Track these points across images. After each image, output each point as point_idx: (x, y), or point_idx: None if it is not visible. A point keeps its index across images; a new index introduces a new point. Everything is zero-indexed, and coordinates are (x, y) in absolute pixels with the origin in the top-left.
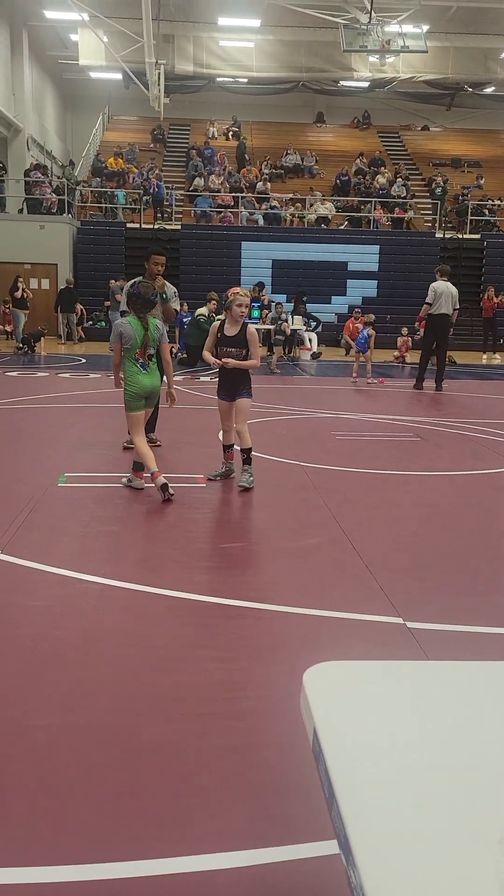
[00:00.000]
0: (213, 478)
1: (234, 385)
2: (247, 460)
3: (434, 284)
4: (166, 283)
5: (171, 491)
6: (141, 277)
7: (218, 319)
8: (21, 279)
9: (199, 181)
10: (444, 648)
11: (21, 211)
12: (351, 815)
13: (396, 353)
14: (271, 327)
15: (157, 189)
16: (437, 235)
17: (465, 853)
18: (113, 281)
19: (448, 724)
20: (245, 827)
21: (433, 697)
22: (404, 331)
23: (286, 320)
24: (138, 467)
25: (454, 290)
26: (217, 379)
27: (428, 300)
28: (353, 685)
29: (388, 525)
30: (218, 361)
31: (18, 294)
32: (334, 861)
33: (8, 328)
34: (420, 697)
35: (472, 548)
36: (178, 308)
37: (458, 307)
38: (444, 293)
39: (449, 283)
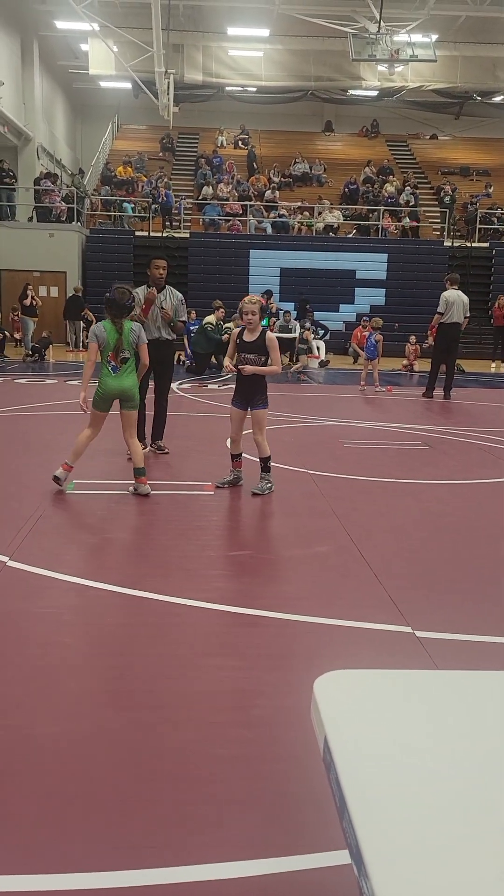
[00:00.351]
0: (221, 485)
1: (249, 393)
2: (265, 468)
3: (445, 294)
4: (172, 289)
5: (60, 485)
6: (144, 285)
7: (226, 329)
8: (30, 287)
9: (206, 190)
10: (453, 657)
11: (31, 219)
12: (362, 825)
13: (405, 361)
14: (295, 335)
15: (165, 198)
16: (445, 244)
17: (478, 863)
18: None
19: (459, 733)
20: (252, 836)
21: (444, 707)
22: (412, 339)
23: (309, 328)
24: (140, 473)
25: (465, 298)
26: (233, 386)
27: (440, 310)
28: (363, 694)
29: (396, 533)
30: (233, 368)
31: (27, 301)
32: (343, 871)
33: (17, 335)
34: (431, 706)
35: (481, 557)
36: (184, 318)
37: (468, 315)
38: (455, 302)
39: (460, 291)
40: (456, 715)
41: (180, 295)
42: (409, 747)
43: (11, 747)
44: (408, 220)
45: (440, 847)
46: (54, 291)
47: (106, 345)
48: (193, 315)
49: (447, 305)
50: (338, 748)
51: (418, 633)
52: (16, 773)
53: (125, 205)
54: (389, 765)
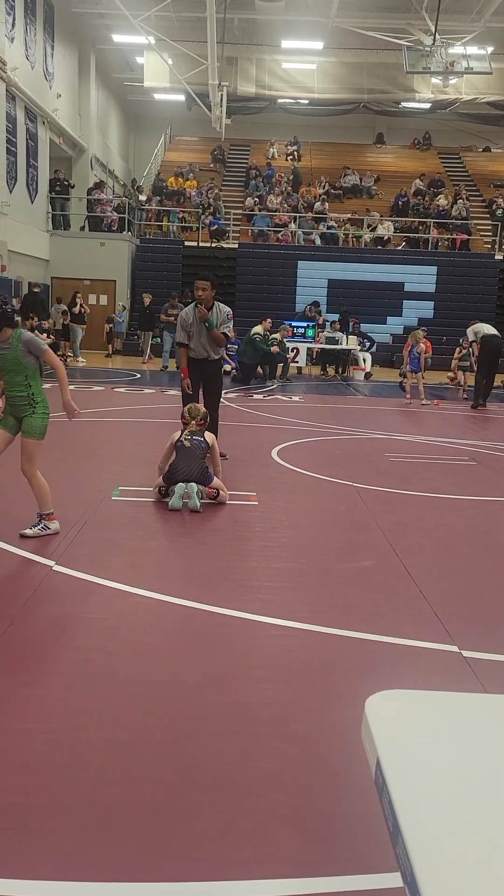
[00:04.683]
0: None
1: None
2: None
3: (473, 327)
4: (220, 305)
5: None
6: (194, 303)
7: (272, 340)
8: (79, 294)
9: (251, 201)
10: (502, 679)
11: (82, 228)
12: (417, 851)
13: (450, 373)
14: (342, 347)
15: (216, 215)
16: (496, 257)
17: None
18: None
19: None
20: (296, 853)
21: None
22: (457, 353)
23: (365, 334)
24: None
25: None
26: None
27: (471, 340)
28: (418, 715)
29: (442, 550)
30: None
31: (76, 309)
32: (391, 895)
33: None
34: (490, 732)
35: None
36: (228, 332)
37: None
38: (483, 326)
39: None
40: None
41: (228, 310)
42: (468, 772)
43: (53, 753)
44: (454, 235)
45: (499, 876)
46: (103, 300)
47: None
48: (234, 334)
49: (475, 334)
50: (391, 771)
51: (465, 653)
52: (57, 780)
53: (174, 216)
54: (446, 791)
